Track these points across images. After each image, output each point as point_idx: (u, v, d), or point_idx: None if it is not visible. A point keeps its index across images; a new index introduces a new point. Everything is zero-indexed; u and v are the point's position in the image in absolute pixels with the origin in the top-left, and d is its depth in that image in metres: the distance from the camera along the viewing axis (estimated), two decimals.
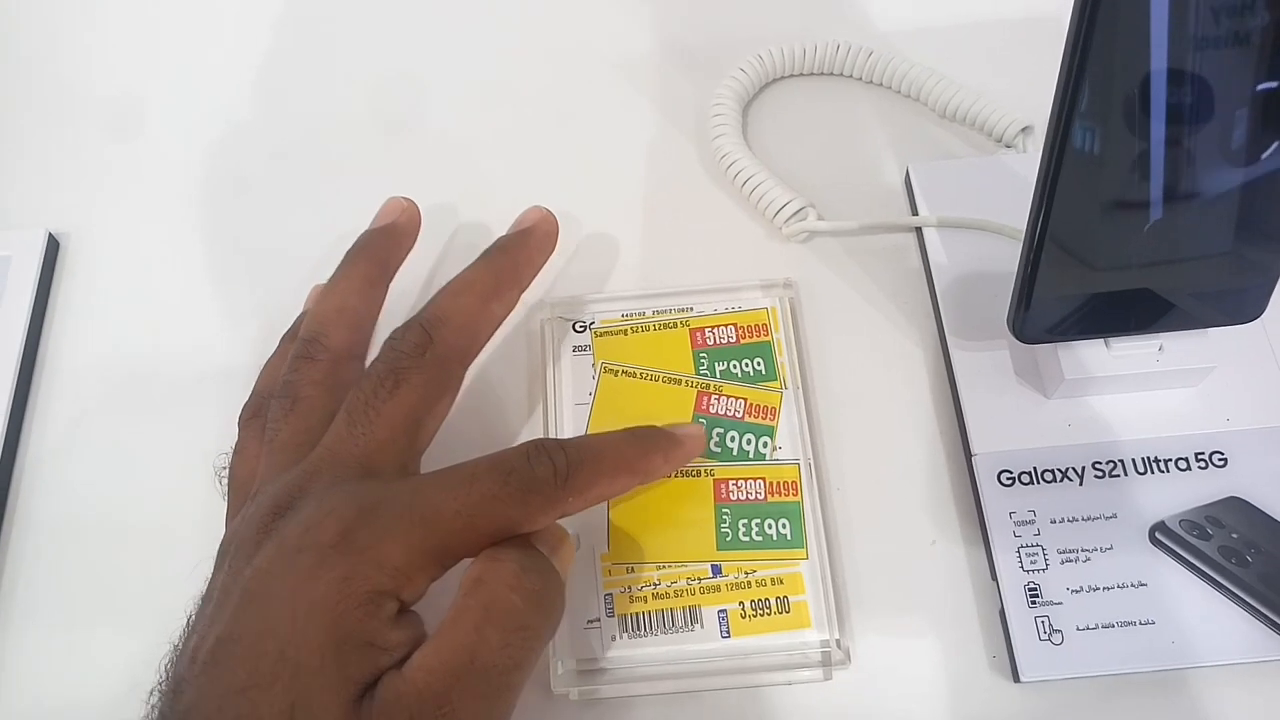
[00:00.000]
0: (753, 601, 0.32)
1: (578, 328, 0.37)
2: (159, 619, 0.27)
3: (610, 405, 0.35)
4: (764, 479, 0.33)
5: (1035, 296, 0.29)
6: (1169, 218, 0.27)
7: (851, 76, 0.42)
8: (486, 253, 0.33)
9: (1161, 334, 0.32)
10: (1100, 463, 0.33)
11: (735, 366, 0.35)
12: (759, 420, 0.34)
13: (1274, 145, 0.26)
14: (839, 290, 0.38)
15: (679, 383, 0.35)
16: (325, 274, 0.34)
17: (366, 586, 0.24)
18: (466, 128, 0.43)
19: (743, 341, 0.36)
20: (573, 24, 0.45)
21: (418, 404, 0.29)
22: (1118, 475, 0.32)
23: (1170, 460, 0.32)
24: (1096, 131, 0.25)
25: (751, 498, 0.33)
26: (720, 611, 0.32)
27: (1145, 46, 0.24)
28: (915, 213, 0.38)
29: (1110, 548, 0.31)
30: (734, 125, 0.40)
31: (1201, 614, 0.30)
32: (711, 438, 0.34)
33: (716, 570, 0.32)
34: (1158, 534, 0.31)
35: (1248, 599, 0.30)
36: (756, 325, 0.36)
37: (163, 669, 0.25)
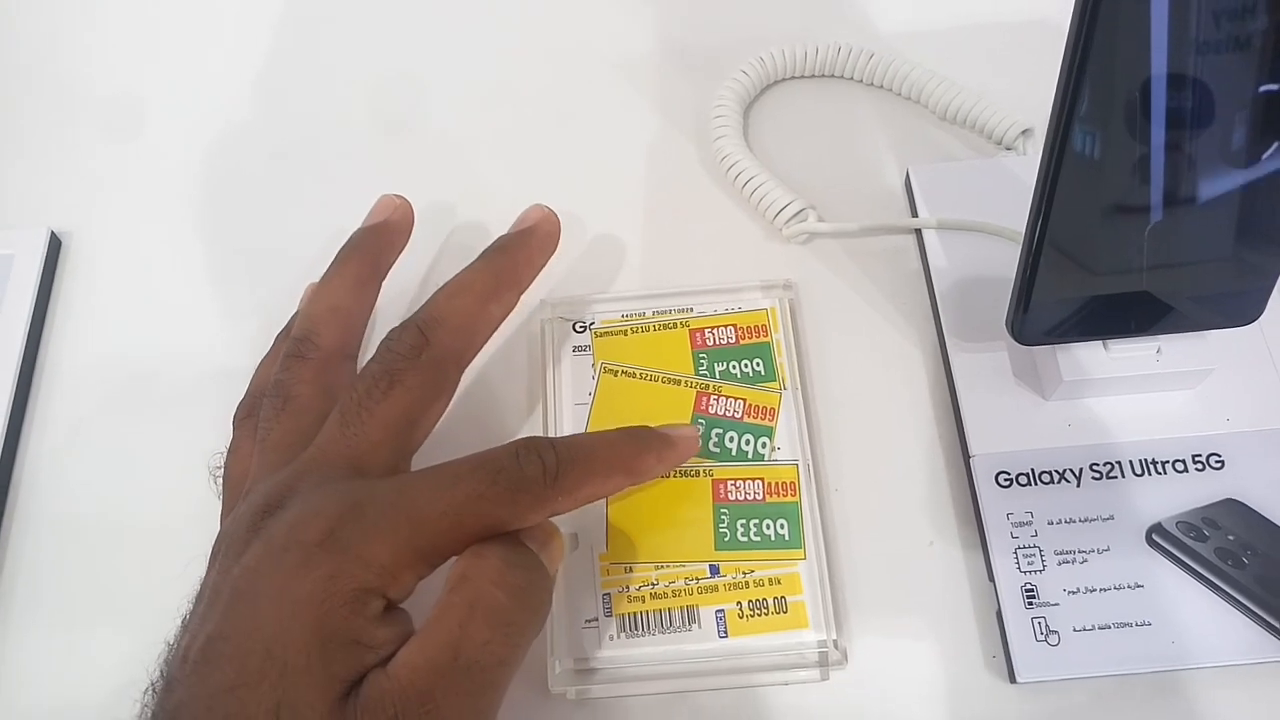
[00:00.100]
0: (750, 602, 0.32)
1: (578, 328, 0.37)
2: (158, 618, 0.27)
3: (610, 405, 0.35)
4: (762, 479, 0.33)
5: (1034, 299, 0.29)
6: (1168, 220, 0.27)
7: (852, 78, 0.42)
8: (486, 253, 0.33)
9: (1160, 336, 0.32)
10: (1098, 464, 0.33)
11: (735, 367, 0.36)
12: (758, 421, 0.35)
13: (1273, 147, 0.26)
14: (839, 291, 0.38)
15: (678, 383, 0.35)
16: (323, 273, 0.34)
17: (352, 584, 0.24)
18: (466, 128, 0.43)
19: (742, 342, 0.36)
20: (573, 24, 0.45)
21: (411, 405, 0.29)
22: (1115, 477, 0.32)
23: (1167, 462, 0.33)
24: (1096, 134, 0.25)
25: (750, 498, 0.33)
26: (718, 611, 0.32)
27: (1145, 49, 0.24)
28: (915, 214, 0.38)
29: (1107, 549, 0.31)
30: (735, 126, 0.40)
31: (1198, 616, 0.30)
32: (710, 438, 0.34)
33: (714, 570, 0.32)
34: (1154, 536, 0.31)
35: (1244, 601, 0.30)
36: (756, 326, 0.36)
37: (156, 667, 0.25)
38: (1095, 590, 0.31)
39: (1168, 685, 0.31)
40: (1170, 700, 0.30)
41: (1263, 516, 0.32)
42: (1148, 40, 0.24)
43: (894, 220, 0.39)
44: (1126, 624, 0.30)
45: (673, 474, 0.34)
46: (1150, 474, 0.32)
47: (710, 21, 0.45)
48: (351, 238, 0.35)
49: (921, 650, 0.32)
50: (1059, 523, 0.32)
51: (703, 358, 0.36)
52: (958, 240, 0.37)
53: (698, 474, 0.34)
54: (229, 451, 0.32)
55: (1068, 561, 0.31)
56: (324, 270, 0.34)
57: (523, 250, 0.34)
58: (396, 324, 0.31)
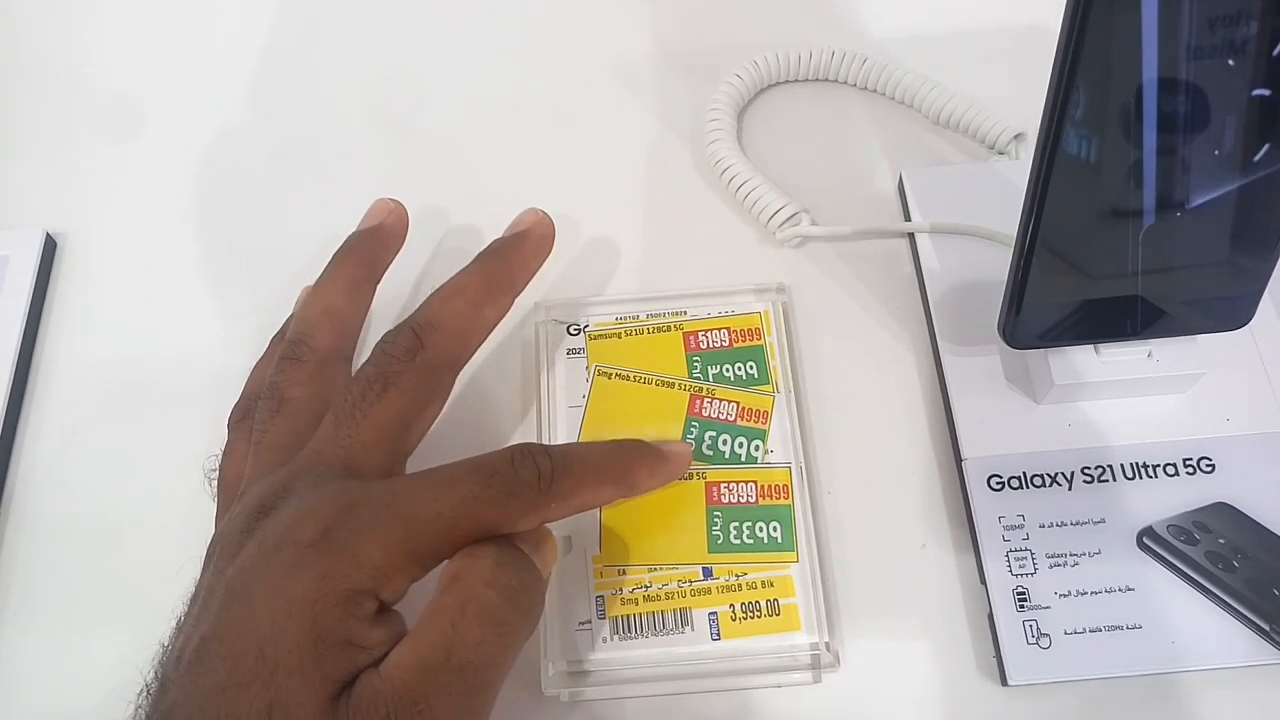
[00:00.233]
0: (743, 604, 0.32)
1: (572, 331, 0.37)
2: (154, 619, 0.27)
3: (603, 408, 0.35)
4: (755, 482, 0.34)
5: (1026, 303, 0.30)
6: (1159, 225, 0.27)
7: (846, 83, 0.43)
8: (480, 256, 0.33)
9: (1151, 340, 0.32)
10: (1089, 468, 0.33)
11: (728, 370, 0.36)
12: (751, 424, 0.35)
13: (1264, 151, 0.26)
14: (832, 295, 0.38)
15: (672, 386, 0.35)
16: (318, 276, 0.34)
17: (345, 585, 0.24)
18: (464, 130, 0.43)
19: (735, 345, 0.36)
20: (570, 28, 0.46)
21: (406, 408, 0.29)
22: (1106, 480, 0.33)
23: (1159, 465, 0.33)
24: (1087, 139, 0.26)
25: (743, 501, 0.33)
26: (711, 614, 0.32)
27: (1136, 54, 0.24)
28: (908, 218, 0.38)
29: (1098, 552, 0.31)
30: (729, 130, 0.41)
31: (1188, 619, 0.30)
32: (703, 441, 0.34)
33: (707, 573, 0.32)
34: (1145, 539, 0.31)
35: (1234, 604, 0.30)
36: (749, 329, 0.36)
37: (151, 668, 0.26)
38: (1086, 593, 0.31)
39: (1158, 688, 0.31)
40: (1160, 703, 0.31)
41: (1253, 520, 0.32)
42: (1139, 45, 0.24)
43: (887, 224, 0.39)
44: (1117, 627, 0.30)
45: None
46: (1141, 477, 0.33)
47: (706, 26, 0.45)
48: (346, 241, 0.35)
49: (914, 653, 0.32)
50: (1050, 526, 0.32)
51: (696, 361, 0.36)
52: (950, 244, 0.37)
53: (691, 477, 0.34)
54: (224, 453, 0.32)
55: (1059, 564, 0.31)
56: (320, 272, 0.34)
57: (517, 254, 0.34)
58: (391, 327, 0.31)
